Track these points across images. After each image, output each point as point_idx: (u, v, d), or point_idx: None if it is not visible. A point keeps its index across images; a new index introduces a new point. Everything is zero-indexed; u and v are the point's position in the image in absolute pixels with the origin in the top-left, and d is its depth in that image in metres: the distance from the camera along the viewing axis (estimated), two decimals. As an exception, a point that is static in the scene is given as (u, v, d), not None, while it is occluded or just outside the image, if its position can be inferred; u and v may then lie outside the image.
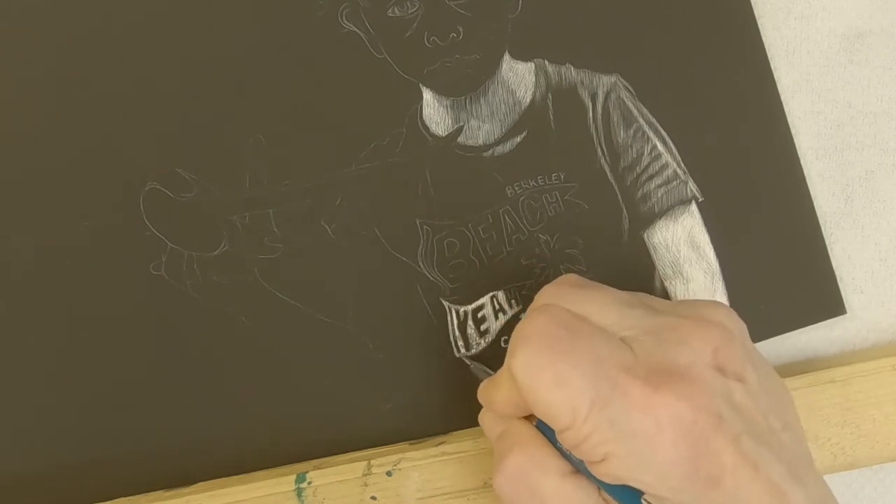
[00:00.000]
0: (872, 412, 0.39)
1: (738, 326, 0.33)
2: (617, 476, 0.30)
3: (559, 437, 0.31)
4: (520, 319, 0.40)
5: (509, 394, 0.33)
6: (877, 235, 0.41)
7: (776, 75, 0.41)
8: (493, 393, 0.34)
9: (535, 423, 0.34)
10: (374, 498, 0.39)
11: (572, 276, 0.35)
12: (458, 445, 0.39)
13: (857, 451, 0.39)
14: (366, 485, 0.39)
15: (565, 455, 0.33)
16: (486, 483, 0.39)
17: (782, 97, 0.41)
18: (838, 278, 0.41)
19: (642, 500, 0.31)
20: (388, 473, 0.39)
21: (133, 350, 0.41)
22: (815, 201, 0.41)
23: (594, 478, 0.32)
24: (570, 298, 0.33)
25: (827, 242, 0.41)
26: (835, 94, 0.41)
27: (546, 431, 0.33)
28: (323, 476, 0.39)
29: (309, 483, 0.39)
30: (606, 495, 0.32)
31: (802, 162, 0.41)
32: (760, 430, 0.30)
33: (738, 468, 0.29)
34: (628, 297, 0.33)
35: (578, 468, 0.33)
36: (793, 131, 0.41)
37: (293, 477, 0.39)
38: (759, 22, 0.41)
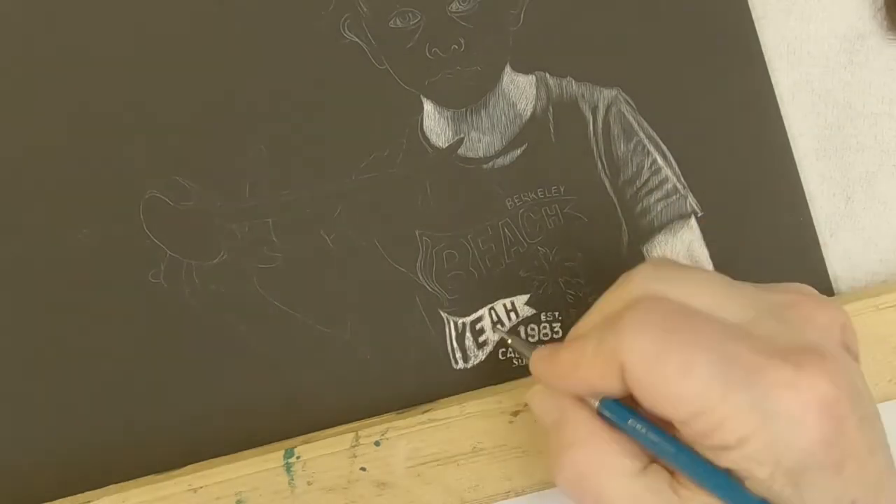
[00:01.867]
0: (860, 353, 0.38)
1: None
2: (751, 459, 0.28)
3: (682, 428, 0.29)
4: (517, 332, 0.40)
5: (589, 377, 0.31)
6: (877, 236, 0.41)
7: (776, 77, 0.41)
8: (560, 368, 0.32)
9: (596, 407, 0.31)
10: (363, 469, 0.39)
11: (666, 258, 0.33)
12: (445, 412, 0.39)
13: None
14: (354, 456, 0.39)
15: (643, 444, 0.30)
16: (474, 448, 0.38)
17: (782, 98, 0.41)
18: (839, 279, 0.41)
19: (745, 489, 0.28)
20: (377, 443, 0.39)
21: (130, 356, 0.41)
22: (815, 202, 0.41)
23: (681, 465, 0.29)
24: (669, 283, 0.31)
25: (828, 243, 0.41)
26: (835, 95, 0.41)
27: (617, 418, 0.31)
28: (311, 450, 0.39)
29: (297, 458, 0.39)
30: (682, 487, 0.30)
31: (803, 163, 0.41)
32: (872, 415, 0.29)
33: (859, 455, 0.28)
34: (728, 278, 0.32)
35: (664, 456, 0.30)
36: (793, 132, 0.41)
37: (281, 453, 0.39)
38: (759, 23, 0.41)
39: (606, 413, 0.31)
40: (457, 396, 0.40)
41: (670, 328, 0.29)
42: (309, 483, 0.39)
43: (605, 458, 0.31)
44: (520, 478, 0.39)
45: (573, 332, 0.33)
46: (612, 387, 0.30)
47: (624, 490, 0.30)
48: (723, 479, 0.29)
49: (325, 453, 0.39)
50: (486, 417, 0.39)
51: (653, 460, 0.31)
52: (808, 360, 0.28)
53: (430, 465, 0.39)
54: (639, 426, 0.30)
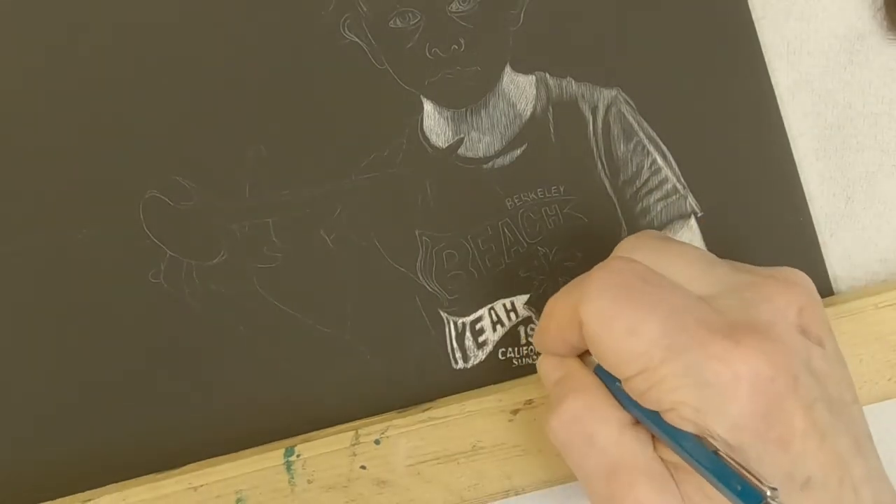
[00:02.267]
0: (859, 352, 0.38)
1: (817, 293, 0.32)
2: (686, 423, 0.30)
3: (626, 385, 0.31)
4: (517, 333, 0.40)
5: (560, 331, 0.33)
6: (877, 237, 0.41)
7: (776, 77, 0.41)
8: (545, 335, 0.34)
9: (593, 370, 0.33)
10: (363, 467, 0.39)
11: (653, 231, 0.35)
12: (444, 410, 0.39)
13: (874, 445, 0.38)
14: (354, 454, 0.39)
15: (625, 406, 0.32)
16: (474, 446, 0.39)
17: (782, 98, 0.41)
18: (838, 279, 0.41)
19: (703, 443, 0.30)
20: (377, 442, 0.39)
21: (130, 356, 0.41)
22: (815, 202, 0.41)
23: (654, 427, 0.31)
24: (649, 252, 0.32)
25: (828, 243, 0.41)
26: (835, 95, 0.41)
27: (606, 380, 0.33)
28: (311, 448, 0.39)
29: (298, 456, 0.39)
30: (663, 450, 0.32)
31: (803, 163, 0.41)
32: (833, 399, 0.30)
33: (807, 435, 0.29)
34: (708, 254, 0.33)
35: (639, 419, 0.32)
36: (793, 132, 0.41)
37: (281, 451, 0.39)
38: (759, 23, 0.41)
39: (601, 376, 0.33)
40: (457, 395, 0.40)
41: (628, 288, 0.31)
42: (309, 481, 0.39)
43: (600, 407, 0.32)
44: (519, 476, 0.39)
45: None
46: (577, 340, 0.32)
47: (613, 437, 0.32)
48: (688, 438, 0.30)
49: (325, 451, 0.39)
50: (486, 416, 0.39)
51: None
52: (748, 337, 0.29)
53: (429, 464, 0.39)
54: (609, 379, 0.32)
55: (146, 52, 0.41)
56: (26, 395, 0.41)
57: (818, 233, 0.41)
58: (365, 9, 0.41)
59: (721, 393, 0.29)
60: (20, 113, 0.41)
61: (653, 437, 0.32)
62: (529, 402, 0.38)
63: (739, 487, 0.28)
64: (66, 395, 0.41)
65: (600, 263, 0.32)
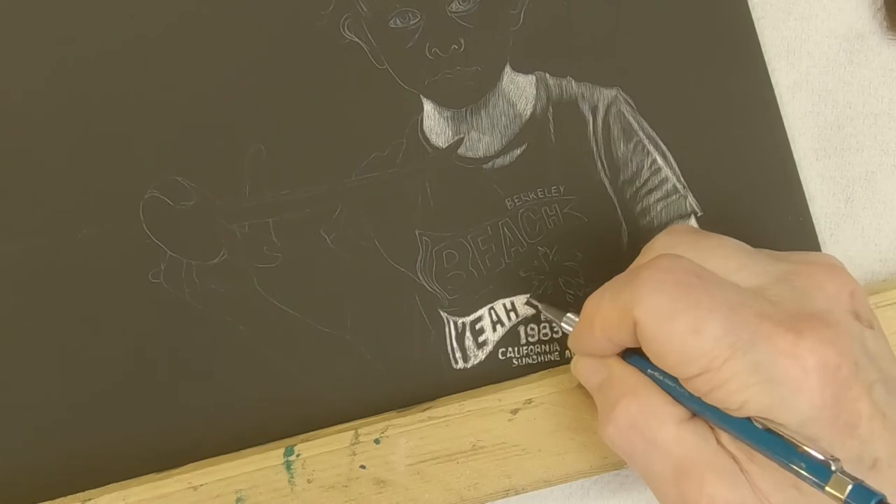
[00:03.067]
0: None
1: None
2: (751, 416, 0.30)
3: (686, 385, 0.30)
4: (517, 333, 0.40)
5: (606, 332, 0.32)
6: (877, 237, 0.41)
7: (776, 76, 0.41)
8: (587, 336, 0.33)
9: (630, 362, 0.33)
10: (363, 467, 0.39)
11: (683, 225, 0.35)
12: (444, 409, 0.39)
13: None
14: (354, 454, 0.39)
15: (678, 398, 0.32)
16: (474, 445, 0.39)
17: (782, 98, 0.41)
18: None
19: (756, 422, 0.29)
20: (377, 441, 0.39)
21: (130, 356, 0.41)
22: (815, 202, 0.41)
23: (713, 418, 0.31)
24: (689, 247, 0.32)
25: (828, 243, 0.41)
26: (835, 94, 0.41)
27: (654, 376, 0.32)
28: (311, 448, 0.39)
29: (297, 455, 0.39)
30: (724, 440, 0.31)
31: (803, 163, 0.41)
32: (888, 378, 0.30)
33: (872, 417, 0.29)
34: (745, 245, 0.33)
35: (696, 411, 0.31)
36: (793, 132, 0.41)
37: (281, 451, 0.39)
38: (759, 23, 0.41)
39: (644, 369, 0.32)
40: (456, 395, 0.40)
41: (684, 286, 0.30)
42: (309, 481, 0.39)
43: (655, 405, 0.32)
44: (519, 476, 0.39)
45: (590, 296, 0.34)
46: (625, 339, 0.32)
47: (674, 434, 0.31)
48: (740, 423, 0.30)
49: (324, 451, 0.39)
50: (486, 415, 0.39)
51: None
52: (811, 327, 0.29)
53: (429, 463, 0.39)
54: (658, 375, 0.32)
55: (146, 52, 0.41)
56: (26, 395, 0.41)
57: (818, 233, 0.41)
58: (365, 9, 0.41)
59: (791, 388, 0.29)
60: (20, 113, 0.41)
61: (712, 427, 0.32)
62: (529, 401, 0.38)
63: (804, 465, 0.28)
64: (65, 395, 0.41)
65: (645, 263, 0.32)
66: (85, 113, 0.41)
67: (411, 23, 0.40)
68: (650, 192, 0.41)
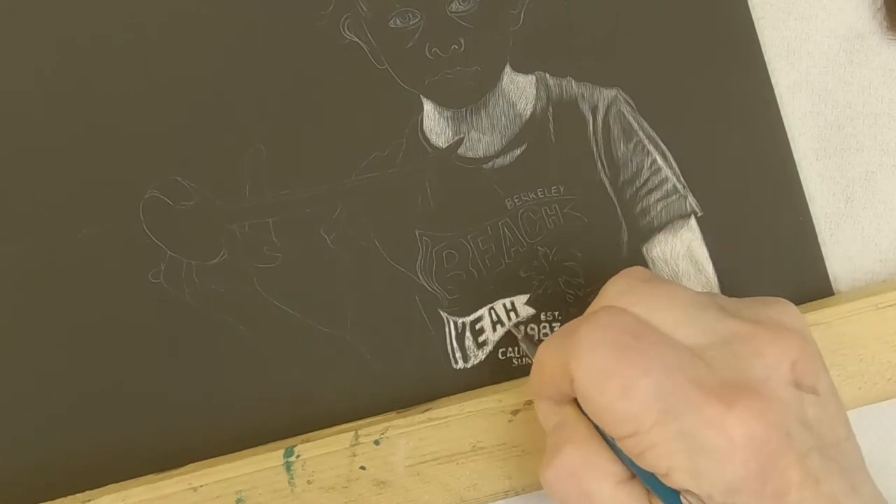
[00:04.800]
0: (859, 352, 0.38)
1: (807, 327, 0.32)
2: (680, 488, 0.30)
3: (620, 444, 0.31)
4: (515, 331, 0.40)
5: (552, 381, 0.32)
6: (877, 237, 0.41)
7: (776, 76, 0.41)
8: (538, 383, 0.34)
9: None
10: (363, 468, 0.39)
11: (641, 269, 0.34)
12: (444, 410, 0.39)
13: (845, 393, 0.38)
14: (354, 455, 0.39)
15: (621, 458, 0.32)
16: (474, 447, 0.39)
17: (782, 98, 0.41)
18: (838, 279, 0.41)
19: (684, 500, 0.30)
20: (376, 442, 0.39)
21: (130, 356, 0.41)
22: (815, 202, 0.41)
23: (648, 482, 0.31)
24: (637, 296, 0.32)
25: (827, 243, 0.41)
26: (835, 94, 0.41)
27: (600, 429, 0.32)
28: (311, 449, 0.39)
29: (297, 456, 0.39)
30: (655, 500, 0.32)
31: (803, 163, 0.41)
32: (827, 442, 0.30)
33: (803, 485, 0.29)
34: (698, 296, 0.32)
35: (634, 472, 0.32)
36: (793, 132, 0.41)
37: (281, 452, 0.39)
38: (759, 23, 0.41)
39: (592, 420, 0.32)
40: (457, 395, 0.40)
41: (620, 346, 0.30)
42: (309, 482, 0.39)
43: (598, 459, 0.32)
44: (519, 477, 0.39)
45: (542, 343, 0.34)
46: (571, 391, 0.32)
47: (609, 493, 0.31)
48: (669, 493, 0.30)
49: (324, 452, 0.39)
50: (486, 416, 0.39)
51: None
52: (741, 398, 0.29)
53: (429, 464, 0.39)
54: (611, 440, 0.32)
55: (146, 51, 0.41)
56: (26, 395, 0.41)
57: (818, 233, 0.41)
58: (365, 9, 0.41)
59: (716, 458, 0.29)
60: (20, 113, 0.41)
61: (649, 497, 0.32)
62: (529, 402, 0.38)
63: None
64: (65, 395, 0.41)
65: (589, 314, 0.32)
66: (85, 113, 0.41)
67: (411, 23, 0.40)
68: (650, 192, 0.41)
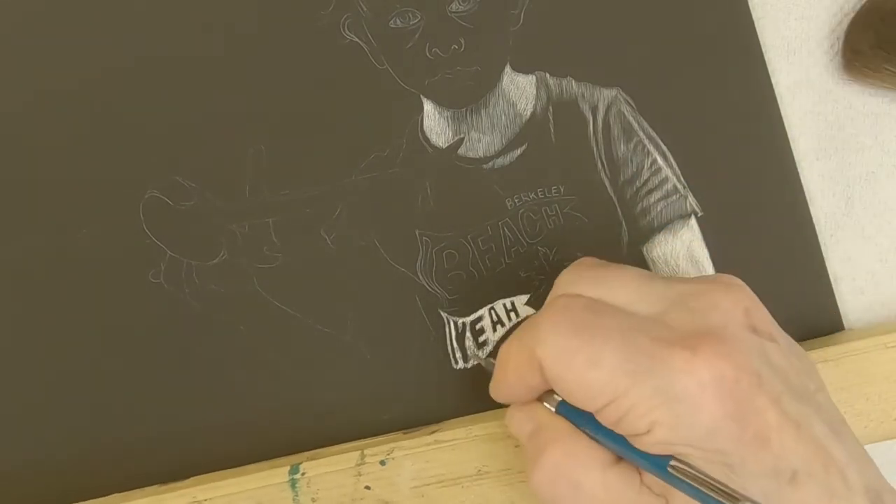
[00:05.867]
0: (866, 391, 0.38)
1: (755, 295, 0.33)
2: (664, 443, 0.30)
3: (599, 417, 0.31)
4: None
5: (519, 376, 0.33)
6: (878, 236, 0.41)
7: (777, 76, 0.41)
8: (503, 384, 0.34)
9: (555, 409, 0.33)
10: (367, 488, 0.39)
11: (588, 259, 0.35)
12: (451, 433, 0.39)
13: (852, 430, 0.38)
14: (360, 474, 0.39)
15: (602, 442, 0.32)
16: (479, 470, 0.39)
17: (782, 98, 0.41)
18: (839, 279, 0.41)
19: (670, 468, 0.30)
20: (382, 463, 0.39)
21: (130, 356, 0.41)
22: (815, 202, 0.41)
23: (636, 458, 0.31)
24: (589, 282, 0.33)
25: (828, 243, 0.41)
26: (835, 94, 0.41)
27: (575, 418, 0.33)
28: (316, 467, 0.39)
29: (303, 474, 0.39)
30: (649, 481, 0.32)
31: (803, 163, 0.41)
32: (798, 389, 0.30)
33: (782, 427, 0.29)
34: (644, 272, 0.34)
35: (619, 452, 0.32)
36: (793, 132, 0.41)
37: (286, 468, 0.39)
38: (760, 23, 0.41)
39: (563, 412, 0.33)
40: (463, 418, 0.40)
41: (580, 324, 0.31)
42: (313, 500, 0.39)
43: (580, 451, 0.32)
44: (523, 502, 0.39)
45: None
46: (539, 382, 0.32)
47: (599, 479, 0.32)
48: (654, 458, 0.31)
49: (330, 470, 0.39)
50: (493, 441, 0.39)
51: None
52: (704, 343, 0.30)
53: (434, 486, 0.39)
54: (581, 421, 0.32)
55: (146, 51, 0.41)
56: (23, 400, 0.41)
57: (818, 233, 0.41)
58: (365, 9, 0.41)
59: (691, 404, 0.29)
60: (20, 113, 0.41)
61: (639, 474, 0.32)
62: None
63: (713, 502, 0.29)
64: (64, 399, 0.41)
65: (545, 305, 0.33)
66: (85, 113, 0.41)
67: (411, 23, 0.40)
68: (650, 192, 0.41)
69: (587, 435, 0.33)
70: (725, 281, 0.33)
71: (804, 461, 0.29)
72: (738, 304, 0.32)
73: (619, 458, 0.32)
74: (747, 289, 0.33)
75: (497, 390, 0.35)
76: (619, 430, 0.31)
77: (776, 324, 0.33)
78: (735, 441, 0.29)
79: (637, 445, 0.31)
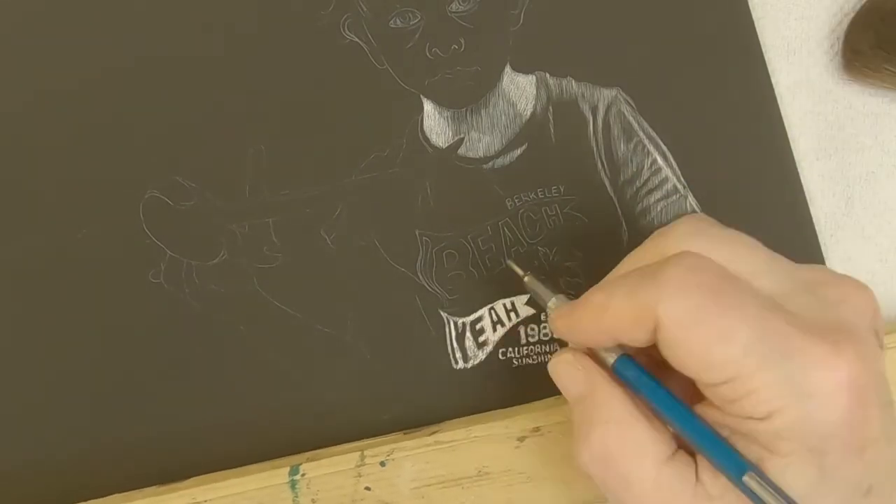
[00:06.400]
0: None
1: None
2: (776, 434, 0.28)
3: (709, 392, 0.29)
4: (517, 333, 0.40)
5: (615, 328, 0.30)
6: (878, 236, 0.41)
7: (777, 76, 0.41)
8: (588, 326, 0.31)
9: (613, 366, 0.31)
10: (368, 489, 0.39)
11: (703, 217, 0.32)
12: (451, 434, 0.39)
13: None
14: (360, 475, 0.39)
15: (663, 415, 0.30)
16: (480, 471, 0.38)
17: (782, 98, 0.41)
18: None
19: (747, 478, 0.28)
20: (382, 464, 0.39)
21: (131, 356, 0.41)
22: (815, 202, 0.41)
23: (705, 444, 0.29)
24: (711, 241, 0.30)
25: (828, 243, 0.41)
26: (835, 94, 0.41)
27: (636, 382, 0.30)
28: (316, 468, 0.39)
29: (303, 475, 0.39)
30: (705, 478, 0.29)
31: (803, 163, 0.41)
32: (891, 402, 0.29)
33: (878, 441, 0.28)
34: (766, 248, 0.31)
35: (681, 431, 0.29)
36: (793, 132, 0.41)
37: (286, 469, 0.39)
38: (760, 23, 0.41)
39: (621, 370, 0.31)
40: (464, 419, 0.40)
41: (713, 290, 0.28)
42: (313, 501, 0.39)
43: (636, 441, 0.30)
44: (524, 503, 0.39)
45: (596, 287, 0.31)
46: (638, 338, 0.29)
47: (650, 475, 0.29)
48: (724, 448, 0.29)
49: (330, 471, 0.39)
50: (493, 442, 0.39)
51: (679, 446, 0.30)
52: (845, 341, 0.28)
53: (434, 487, 0.39)
54: (650, 389, 0.30)
55: (146, 52, 0.41)
56: (25, 400, 0.41)
57: (818, 233, 0.41)
58: (365, 9, 0.41)
59: (823, 401, 0.27)
60: (20, 113, 0.41)
61: (696, 467, 0.30)
62: (536, 429, 0.38)
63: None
64: (64, 399, 0.41)
65: (670, 259, 0.29)
66: (85, 113, 0.41)
67: (411, 23, 0.41)
68: (650, 192, 0.41)
69: (645, 400, 0.30)
70: (852, 279, 0.31)
71: (882, 477, 0.28)
72: (869, 304, 0.30)
73: (674, 452, 0.30)
74: (873, 292, 0.31)
75: (571, 330, 0.31)
76: (728, 410, 0.28)
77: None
78: (842, 446, 0.28)
79: (740, 428, 0.28)
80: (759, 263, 0.30)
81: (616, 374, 0.31)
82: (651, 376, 0.30)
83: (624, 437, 0.30)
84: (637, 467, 0.30)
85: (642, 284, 0.29)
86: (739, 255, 0.30)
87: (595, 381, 0.31)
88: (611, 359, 0.31)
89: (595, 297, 0.30)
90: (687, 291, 0.28)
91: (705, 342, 0.28)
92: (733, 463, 0.28)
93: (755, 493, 0.27)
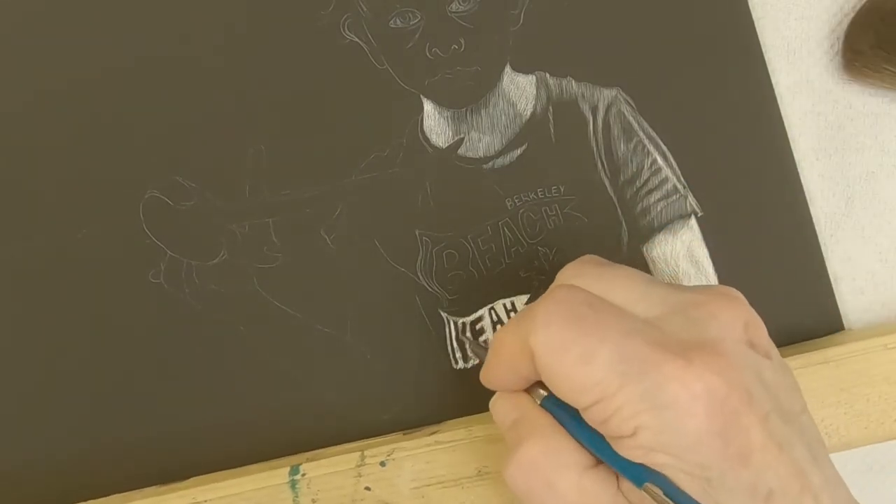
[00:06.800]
0: (866, 391, 0.38)
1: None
2: (646, 449, 0.30)
3: (585, 415, 0.31)
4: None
5: (511, 364, 0.32)
6: (878, 237, 0.41)
7: (777, 76, 0.41)
8: (495, 369, 0.34)
9: (539, 403, 0.33)
10: (368, 489, 0.39)
11: (591, 256, 0.34)
12: (451, 434, 0.39)
13: (851, 432, 0.38)
14: (360, 475, 0.39)
15: (582, 442, 0.32)
16: (480, 471, 0.39)
17: (782, 98, 0.41)
18: (839, 279, 0.41)
19: (644, 489, 0.30)
20: (382, 464, 0.39)
21: (131, 356, 0.41)
22: (815, 202, 0.41)
23: (615, 462, 0.31)
24: (591, 278, 0.33)
25: (828, 243, 0.41)
26: (835, 94, 0.41)
27: (558, 415, 0.32)
28: (317, 468, 0.39)
29: (303, 475, 0.39)
30: (626, 487, 0.31)
31: (803, 163, 0.41)
32: (785, 409, 0.30)
33: (766, 447, 0.29)
34: (647, 276, 0.33)
35: (598, 454, 0.31)
36: (793, 132, 0.41)
37: (287, 469, 0.39)
38: (760, 23, 0.41)
39: (547, 407, 0.33)
40: (464, 419, 0.40)
41: (576, 317, 0.30)
42: (313, 501, 0.39)
43: (559, 450, 0.32)
44: None
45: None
46: (530, 371, 0.32)
47: (574, 482, 0.31)
48: (626, 464, 0.30)
49: (330, 471, 0.39)
50: (493, 442, 0.39)
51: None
52: (700, 355, 0.29)
53: (434, 487, 0.39)
54: (566, 419, 0.32)
55: (146, 52, 0.41)
56: (25, 400, 0.41)
57: (818, 233, 0.41)
58: (365, 9, 0.41)
59: (678, 413, 0.29)
60: (20, 113, 0.41)
61: (617, 478, 0.32)
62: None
63: None
64: (64, 399, 0.41)
65: (543, 294, 0.32)
66: (85, 113, 0.41)
67: (411, 23, 0.41)
68: (650, 192, 0.41)
69: (568, 433, 0.32)
70: (726, 293, 0.32)
71: (782, 482, 0.29)
72: (738, 317, 0.31)
73: (598, 462, 0.32)
74: (747, 303, 0.32)
75: (488, 376, 0.34)
76: (603, 431, 0.31)
77: (771, 340, 0.32)
78: (717, 456, 0.29)
79: (618, 448, 0.30)
80: (634, 292, 0.32)
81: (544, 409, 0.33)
82: (568, 409, 0.32)
83: (549, 447, 0.32)
84: (561, 472, 0.31)
85: (522, 319, 0.32)
86: (615, 286, 0.32)
87: (522, 406, 0.33)
88: (538, 399, 0.33)
89: (495, 338, 0.33)
90: (552, 321, 0.31)
91: (571, 365, 0.30)
92: (636, 475, 0.30)
93: (656, 500, 0.29)
